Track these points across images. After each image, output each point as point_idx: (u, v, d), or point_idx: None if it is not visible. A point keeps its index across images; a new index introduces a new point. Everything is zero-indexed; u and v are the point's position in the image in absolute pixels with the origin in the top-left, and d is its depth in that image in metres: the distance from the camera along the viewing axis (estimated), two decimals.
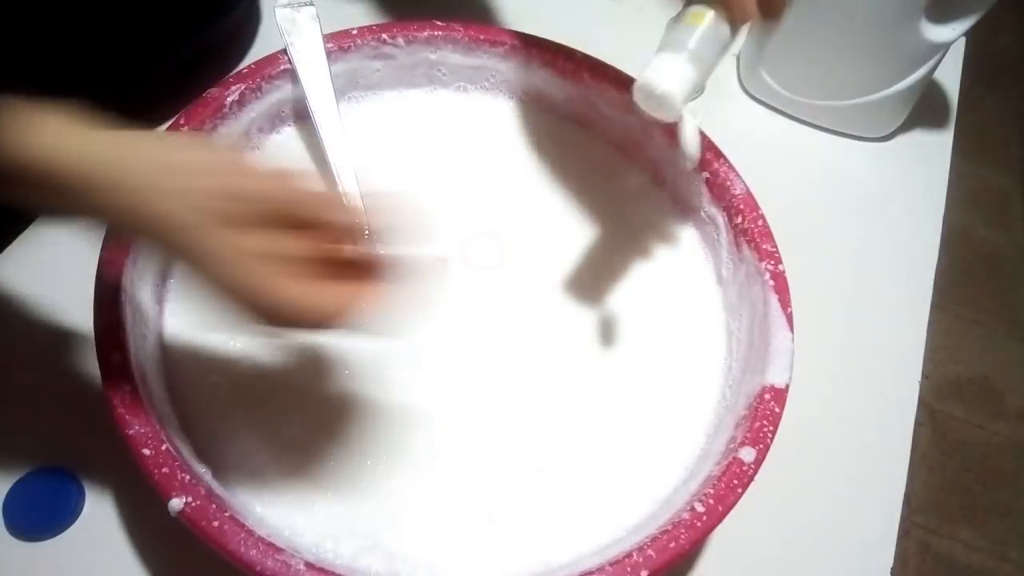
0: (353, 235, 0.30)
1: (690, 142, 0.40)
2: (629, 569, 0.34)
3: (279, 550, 0.33)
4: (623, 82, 0.50)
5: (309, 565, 0.33)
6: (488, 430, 0.41)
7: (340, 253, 0.31)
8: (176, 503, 0.33)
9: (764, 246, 0.45)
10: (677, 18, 0.38)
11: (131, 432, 0.34)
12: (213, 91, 0.46)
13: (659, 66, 0.37)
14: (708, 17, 0.38)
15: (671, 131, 0.49)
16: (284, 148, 0.50)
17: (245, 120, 0.47)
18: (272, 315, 0.29)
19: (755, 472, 0.37)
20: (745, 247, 0.45)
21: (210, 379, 0.41)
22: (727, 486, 0.36)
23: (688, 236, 0.50)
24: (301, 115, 0.50)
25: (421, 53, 0.51)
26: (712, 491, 0.36)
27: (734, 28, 0.38)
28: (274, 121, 0.50)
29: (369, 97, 0.52)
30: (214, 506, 0.33)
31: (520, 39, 0.51)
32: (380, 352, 0.43)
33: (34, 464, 0.41)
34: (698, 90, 0.39)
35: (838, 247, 0.58)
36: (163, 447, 0.34)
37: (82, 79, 0.50)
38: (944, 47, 0.56)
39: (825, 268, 0.55)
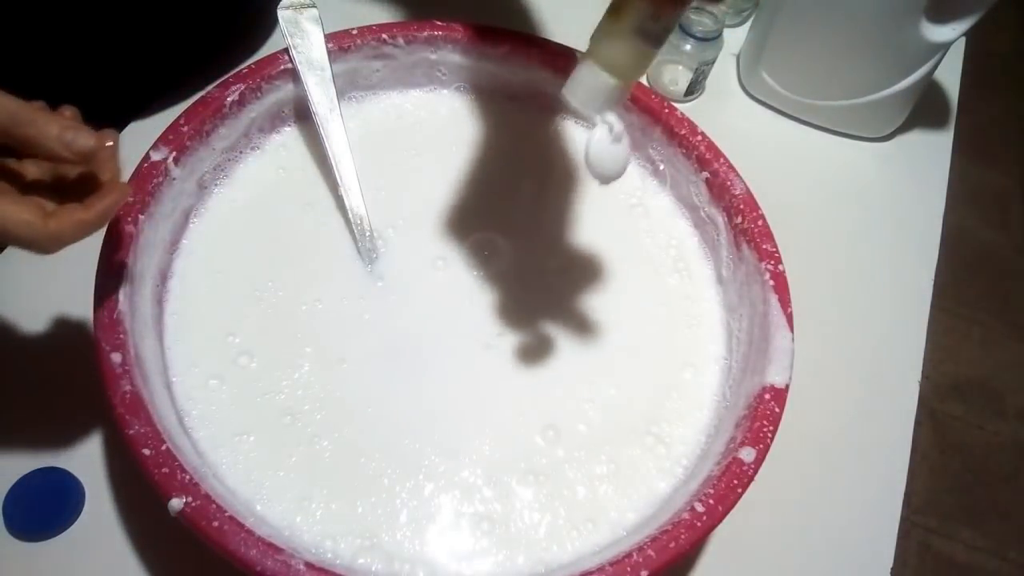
0: (82, 159, 0.31)
1: (591, 153, 0.36)
2: (629, 569, 0.34)
3: (279, 550, 0.33)
4: None
5: (309, 565, 0.33)
6: (487, 429, 0.41)
7: (62, 176, 0.33)
8: (176, 503, 0.33)
9: (764, 246, 0.45)
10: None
11: (131, 432, 0.34)
12: (213, 91, 0.46)
13: (574, 76, 0.35)
14: (625, 16, 0.33)
15: (671, 131, 0.49)
16: (285, 148, 0.50)
17: (245, 120, 0.47)
18: None
19: (755, 472, 0.37)
20: (745, 247, 0.45)
21: (210, 380, 0.41)
22: (727, 486, 0.36)
23: (688, 236, 0.50)
24: (301, 115, 0.50)
25: (421, 53, 0.51)
26: (712, 491, 0.36)
27: (663, 20, 0.33)
28: (274, 121, 0.50)
29: (369, 97, 0.53)
30: (214, 506, 0.33)
31: (520, 39, 0.51)
32: (380, 351, 0.43)
33: (34, 464, 0.41)
34: (618, 97, 0.35)
35: (838, 247, 0.58)
36: (163, 447, 0.34)
37: (84, 76, 0.50)
38: (944, 47, 0.56)
39: (825, 268, 0.55)
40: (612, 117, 0.36)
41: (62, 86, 0.48)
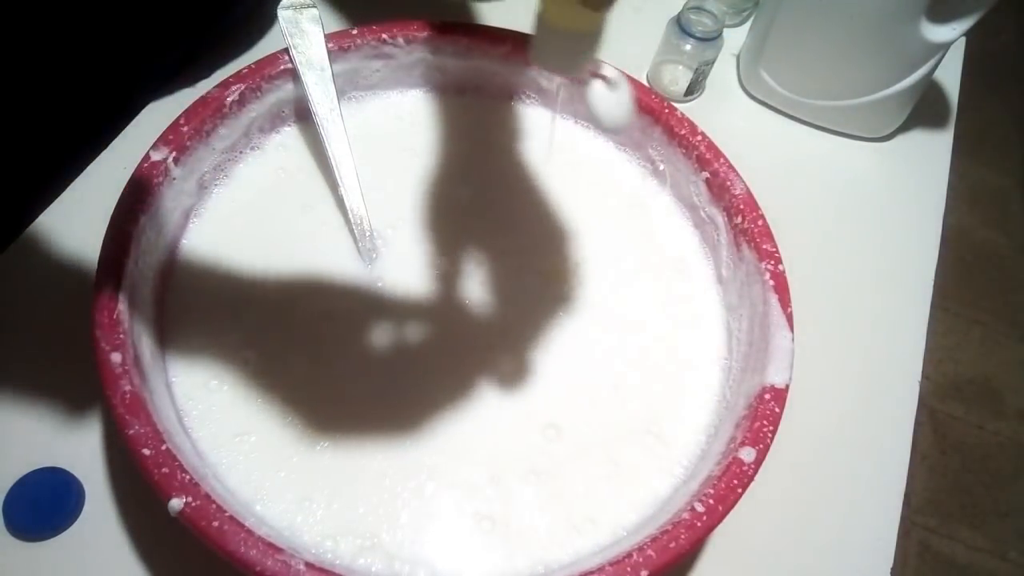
0: None
1: (594, 107, 0.36)
2: (629, 569, 0.34)
3: (279, 550, 0.33)
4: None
5: (309, 565, 0.33)
6: (489, 428, 0.41)
7: None
8: (176, 503, 0.33)
9: (764, 246, 0.45)
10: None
11: (131, 432, 0.34)
12: (213, 91, 0.46)
13: (535, 42, 0.34)
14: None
15: (671, 130, 0.49)
16: (284, 148, 0.50)
17: (245, 120, 0.47)
18: None
19: (755, 472, 0.37)
20: (745, 247, 0.45)
21: (210, 380, 0.41)
22: (727, 486, 0.36)
23: (688, 236, 0.50)
24: (301, 115, 0.50)
25: (421, 53, 0.51)
26: (712, 491, 0.36)
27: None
28: (274, 121, 0.50)
29: (369, 97, 0.53)
30: (214, 506, 0.33)
31: (521, 39, 0.51)
32: (380, 350, 0.43)
33: (34, 464, 0.41)
34: (589, 48, 0.34)
35: (838, 247, 0.58)
36: (163, 447, 0.34)
37: (82, 75, 0.50)
38: (944, 47, 0.56)
39: (825, 268, 0.55)
40: (602, 68, 0.35)
41: (61, 83, 0.48)
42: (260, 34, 0.58)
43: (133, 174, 0.42)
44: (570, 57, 0.34)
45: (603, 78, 0.35)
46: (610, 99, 0.36)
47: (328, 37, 0.49)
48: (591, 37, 0.34)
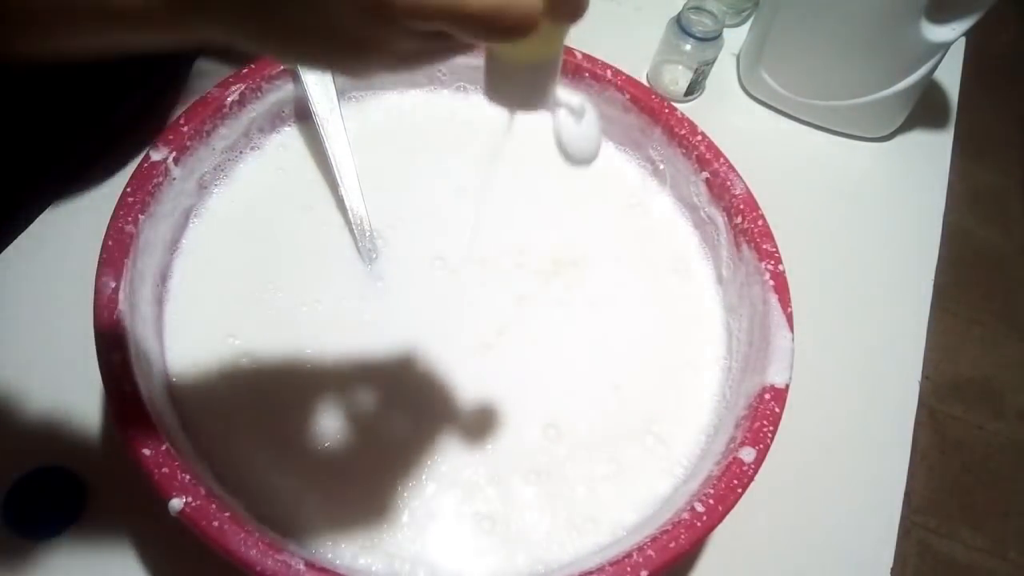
0: None
1: (561, 139, 0.34)
2: (629, 569, 0.34)
3: (279, 550, 0.33)
4: (623, 82, 0.50)
5: (309, 565, 0.33)
6: (487, 430, 0.41)
7: None
8: (176, 503, 0.33)
9: (764, 246, 0.45)
10: None
11: (131, 432, 0.34)
12: (213, 91, 0.46)
13: (486, 79, 0.31)
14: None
15: (671, 130, 0.49)
16: (284, 148, 0.50)
17: (245, 120, 0.47)
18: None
19: (755, 472, 0.37)
20: (745, 247, 0.45)
21: (211, 380, 0.41)
22: (727, 486, 0.36)
23: (688, 236, 0.50)
24: (301, 115, 0.50)
25: None
26: (712, 491, 0.36)
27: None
28: (274, 121, 0.50)
29: (369, 97, 0.53)
30: (214, 506, 0.33)
31: None
32: (380, 351, 0.43)
33: (34, 464, 0.41)
34: (548, 79, 0.31)
35: (838, 247, 0.58)
36: (163, 447, 0.34)
37: (81, 79, 0.50)
38: (944, 47, 0.56)
39: (825, 268, 0.55)
40: (565, 97, 0.32)
41: (60, 87, 0.48)
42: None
43: (133, 174, 0.42)
44: (531, 90, 0.32)
45: (569, 108, 0.33)
46: (576, 130, 0.33)
47: None
48: (551, 64, 0.31)
